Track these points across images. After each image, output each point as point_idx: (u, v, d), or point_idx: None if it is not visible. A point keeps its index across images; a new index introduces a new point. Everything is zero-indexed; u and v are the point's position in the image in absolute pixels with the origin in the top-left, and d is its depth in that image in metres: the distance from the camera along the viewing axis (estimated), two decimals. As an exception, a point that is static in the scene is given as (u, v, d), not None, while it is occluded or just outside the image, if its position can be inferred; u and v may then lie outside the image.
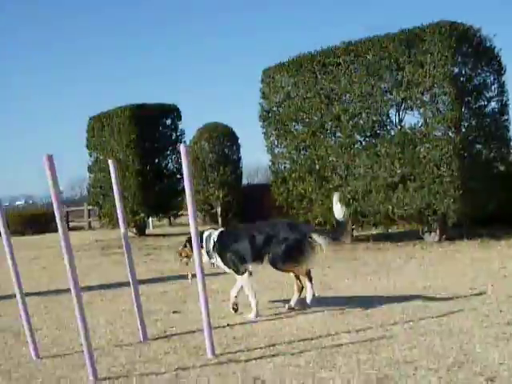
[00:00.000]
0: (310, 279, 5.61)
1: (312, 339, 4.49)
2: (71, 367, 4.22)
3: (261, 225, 5.79)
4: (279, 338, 4.58)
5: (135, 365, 4.16)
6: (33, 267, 10.55)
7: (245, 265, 5.53)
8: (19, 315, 5.98)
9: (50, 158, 3.65)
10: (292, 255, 5.49)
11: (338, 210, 5.87)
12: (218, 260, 5.65)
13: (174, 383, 3.69)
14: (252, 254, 5.51)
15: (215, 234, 5.67)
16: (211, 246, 5.64)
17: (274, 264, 5.52)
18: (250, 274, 5.56)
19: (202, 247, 5.28)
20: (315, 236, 5.47)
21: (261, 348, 4.35)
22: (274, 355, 4.13)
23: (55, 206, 3.74)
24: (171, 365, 4.09)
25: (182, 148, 4.13)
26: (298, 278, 5.70)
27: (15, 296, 6.97)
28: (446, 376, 3.47)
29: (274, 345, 4.40)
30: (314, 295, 5.54)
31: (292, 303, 5.68)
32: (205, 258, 5.51)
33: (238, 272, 5.56)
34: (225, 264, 5.64)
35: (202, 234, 5.47)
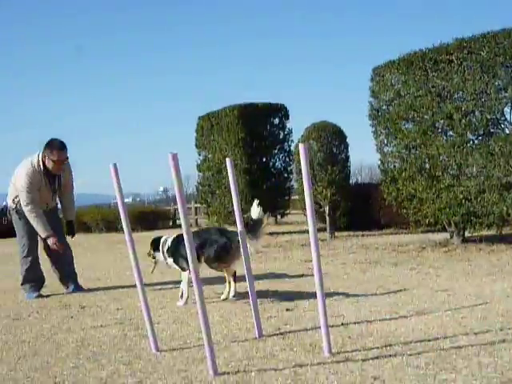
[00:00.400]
0: (234, 279, 6.83)
1: (429, 340, 4.43)
2: (190, 361, 4.33)
3: (200, 231, 7.17)
4: (395, 339, 4.55)
5: (253, 360, 4.22)
6: (146, 263, 10.81)
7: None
8: (137, 308, 6.27)
9: (175, 157, 3.75)
10: (220, 256, 6.68)
11: (255, 211, 6.61)
12: (170, 260, 6.97)
13: (292, 379, 3.72)
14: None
15: (169, 240, 7.03)
16: (165, 249, 7.00)
17: (207, 262, 6.75)
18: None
19: (159, 251, 7.07)
20: (247, 239, 5.84)
21: (377, 348, 4.32)
22: (391, 355, 4.10)
23: (179, 203, 3.83)
24: (288, 361, 4.13)
25: (301, 147, 4.16)
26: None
27: (132, 288, 7.34)
28: None
29: (390, 345, 4.37)
30: (234, 293, 6.79)
31: (224, 296, 6.86)
32: (161, 258, 7.07)
33: (182, 269, 6.78)
34: (175, 263, 6.91)
35: (159, 239, 7.14)
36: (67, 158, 7.85)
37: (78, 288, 8.14)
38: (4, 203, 8.36)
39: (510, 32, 10.30)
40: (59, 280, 8.18)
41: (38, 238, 8.05)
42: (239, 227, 5.08)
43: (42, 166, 7.72)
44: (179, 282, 6.91)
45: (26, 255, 8.02)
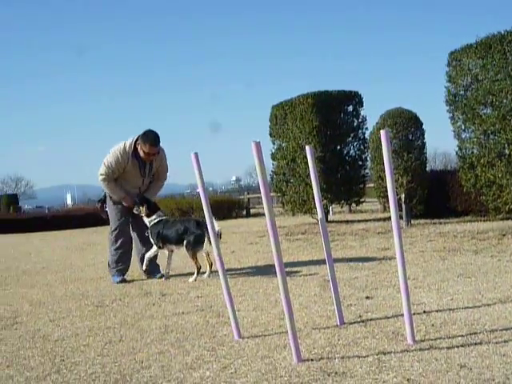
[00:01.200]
0: (211, 265, 7.91)
1: (515, 329, 4.35)
2: (273, 347, 4.36)
3: (182, 220, 8.50)
4: (480, 327, 4.48)
5: (336, 347, 4.23)
6: (223, 251, 10.91)
7: (167, 244, 8.14)
8: (217, 295, 6.35)
9: (258, 145, 3.77)
10: (196, 244, 7.89)
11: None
12: (150, 234, 8.19)
13: (376, 366, 3.70)
14: (174, 239, 8.04)
15: (154, 221, 8.19)
16: (149, 225, 8.21)
17: (186, 248, 7.96)
18: (172, 251, 8.28)
19: (148, 218, 8.23)
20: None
21: (462, 336, 4.27)
22: (476, 343, 4.04)
23: (263, 191, 3.84)
24: (371, 349, 4.12)
25: (382, 133, 4.12)
26: (207, 256, 8.03)
27: (209, 276, 7.45)
28: None
29: (475, 333, 4.31)
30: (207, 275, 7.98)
31: (205, 275, 7.97)
32: (146, 221, 8.28)
33: (156, 244, 8.17)
34: (151, 237, 8.17)
35: (155, 212, 8.28)
36: (158, 152, 8.15)
37: (161, 275, 8.36)
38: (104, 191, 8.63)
39: None
40: (144, 268, 8.36)
41: (131, 227, 8.51)
42: (319, 214, 5.06)
43: (132, 149, 8.07)
44: (259, 268, 6.96)
45: (116, 237, 8.35)
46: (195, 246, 7.87)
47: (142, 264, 8.29)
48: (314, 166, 4.98)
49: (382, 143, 4.17)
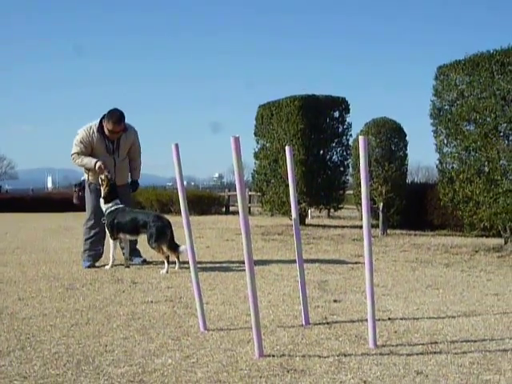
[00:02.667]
0: (178, 257, 8.05)
1: (475, 341, 4.43)
2: (237, 341, 4.42)
3: (141, 212, 8.87)
4: (441, 337, 4.56)
5: (298, 346, 4.29)
6: (198, 246, 10.95)
7: (121, 233, 8.17)
8: (187, 288, 6.40)
9: (237, 140, 3.82)
10: (158, 237, 7.89)
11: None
12: (106, 223, 8.19)
13: (336, 367, 3.77)
14: (130, 229, 8.10)
15: (111, 208, 8.19)
16: (105, 212, 8.23)
17: (149, 242, 7.99)
18: (127, 241, 8.32)
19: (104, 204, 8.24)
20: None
21: (422, 344, 4.35)
22: (436, 352, 4.12)
23: (238, 186, 3.89)
24: (333, 350, 4.19)
25: (360, 140, 4.19)
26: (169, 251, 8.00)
27: (183, 269, 7.49)
28: None
29: (436, 342, 4.39)
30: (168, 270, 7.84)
31: (164, 271, 7.83)
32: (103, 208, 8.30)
33: (111, 236, 8.21)
34: (106, 227, 8.20)
35: (113, 200, 8.25)
36: (122, 130, 8.36)
37: (144, 260, 8.70)
38: (83, 178, 8.71)
39: None
40: (125, 255, 8.42)
41: None
42: (293, 214, 5.12)
43: (98, 127, 8.31)
44: (231, 264, 7.01)
45: (90, 227, 8.46)
46: (158, 238, 7.91)
47: (126, 247, 8.41)
48: (292, 165, 5.03)
49: (360, 150, 4.23)
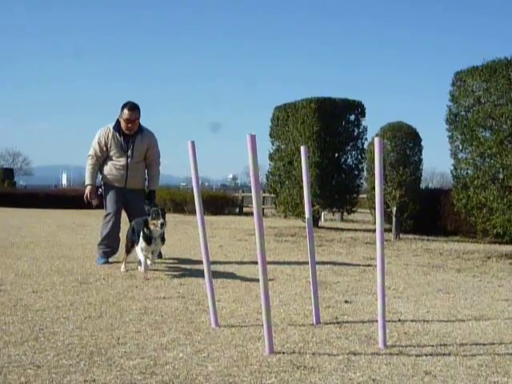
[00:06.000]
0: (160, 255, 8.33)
1: (484, 345, 4.46)
2: (247, 338, 4.47)
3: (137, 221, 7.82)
4: (450, 340, 4.59)
5: (308, 344, 4.34)
6: (211, 245, 11.00)
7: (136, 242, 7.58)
8: (200, 285, 6.46)
9: (253, 138, 3.86)
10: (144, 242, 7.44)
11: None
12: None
13: (345, 365, 3.81)
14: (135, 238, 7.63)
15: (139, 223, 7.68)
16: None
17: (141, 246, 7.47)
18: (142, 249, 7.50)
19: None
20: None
21: (432, 346, 4.38)
22: (444, 354, 4.15)
23: (253, 184, 3.94)
24: (343, 349, 4.22)
25: (376, 141, 4.22)
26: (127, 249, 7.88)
27: (195, 266, 7.53)
28: None
29: (445, 345, 4.42)
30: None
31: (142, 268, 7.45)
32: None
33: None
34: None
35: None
36: (137, 118, 8.39)
37: (160, 255, 8.62)
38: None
39: None
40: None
41: (123, 212, 8.69)
42: (307, 215, 5.15)
43: (115, 124, 8.42)
44: (244, 264, 7.05)
45: (107, 222, 8.44)
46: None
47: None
48: (306, 166, 5.07)
49: (375, 151, 4.27)
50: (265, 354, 4.03)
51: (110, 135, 8.35)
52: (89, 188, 8.44)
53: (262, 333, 4.29)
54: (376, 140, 4.24)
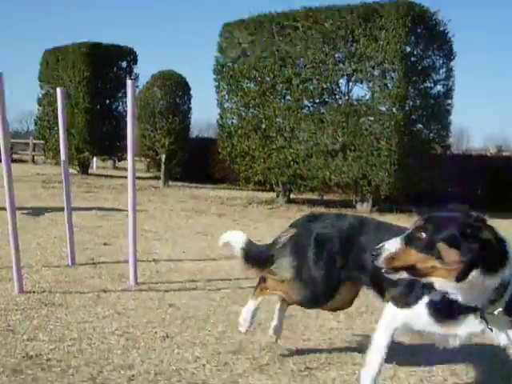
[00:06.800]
0: None
1: (230, 280, 4.80)
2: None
3: None
4: (200, 276, 4.88)
5: (60, 283, 4.41)
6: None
7: None
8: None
9: None
10: None
11: None
12: None
13: (94, 301, 3.94)
14: None
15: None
16: None
17: None
18: None
19: None
20: None
21: (181, 282, 4.63)
22: (191, 289, 4.42)
23: (1, 129, 3.86)
24: (94, 287, 4.34)
25: (128, 83, 4.32)
26: None
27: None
28: None
29: (193, 280, 4.70)
30: None
31: None
32: None
33: None
34: None
35: None
36: None
37: None
38: None
39: (353, 8, 10.86)
40: None
41: None
42: (62, 157, 5.16)
43: None
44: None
45: None
46: None
47: None
48: (63, 108, 5.06)
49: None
50: (14, 293, 4.04)
51: None
52: None
53: (13, 273, 4.28)
54: (128, 82, 4.35)
